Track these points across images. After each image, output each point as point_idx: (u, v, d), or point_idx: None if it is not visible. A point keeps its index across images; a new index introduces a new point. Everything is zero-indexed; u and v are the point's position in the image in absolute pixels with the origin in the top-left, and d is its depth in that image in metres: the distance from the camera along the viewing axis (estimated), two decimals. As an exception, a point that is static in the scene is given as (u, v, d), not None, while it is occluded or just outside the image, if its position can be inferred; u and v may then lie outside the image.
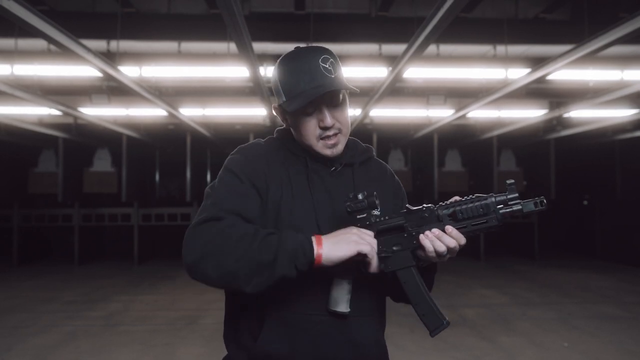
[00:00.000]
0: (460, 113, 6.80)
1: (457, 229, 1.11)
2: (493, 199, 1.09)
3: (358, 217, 1.16)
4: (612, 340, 4.62)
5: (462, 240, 1.11)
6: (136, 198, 9.76)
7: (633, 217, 8.98)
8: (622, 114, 7.52)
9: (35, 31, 3.25)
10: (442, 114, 7.63)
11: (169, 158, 11.92)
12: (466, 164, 10.84)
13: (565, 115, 7.56)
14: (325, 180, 1.27)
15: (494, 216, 1.09)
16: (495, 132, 8.84)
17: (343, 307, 1.16)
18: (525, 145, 10.33)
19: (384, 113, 7.76)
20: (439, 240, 1.10)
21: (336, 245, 1.08)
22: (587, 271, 8.59)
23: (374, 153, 1.42)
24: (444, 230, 1.11)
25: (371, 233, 1.14)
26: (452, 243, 1.10)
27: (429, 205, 1.16)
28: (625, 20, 3.39)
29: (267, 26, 5.62)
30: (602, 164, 10.66)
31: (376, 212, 1.17)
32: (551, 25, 6.01)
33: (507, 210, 1.09)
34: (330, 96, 1.20)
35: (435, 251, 1.10)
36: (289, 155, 1.30)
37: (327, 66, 1.20)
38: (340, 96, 1.23)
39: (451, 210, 1.13)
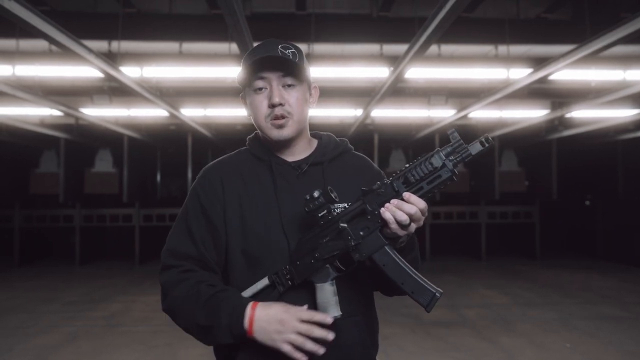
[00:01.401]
0: (462, 113, 6.79)
1: (414, 193, 1.08)
2: (440, 153, 1.07)
3: (319, 215, 1.13)
4: (612, 341, 4.61)
5: (421, 203, 1.07)
6: (137, 198, 9.76)
7: (635, 217, 8.95)
8: (625, 114, 7.50)
9: (36, 32, 3.25)
10: (443, 114, 7.62)
11: (170, 158, 11.93)
12: (468, 165, 10.83)
13: (567, 115, 7.54)
14: (291, 183, 1.25)
15: (445, 168, 1.06)
16: (497, 132, 8.82)
17: (334, 311, 1.13)
18: (527, 145, 10.32)
19: (386, 113, 7.76)
20: (399, 209, 1.06)
21: (265, 335, 1.10)
22: (589, 271, 8.57)
23: (350, 146, 1.39)
24: (403, 200, 1.08)
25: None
26: (412, 209, 1.06)
27: (384, 180, 1.13)
28: (627, 20, 3.38)
29: (268, 26, 5.62)
30: (604, 164, 10.64)
31: (342, 206, 1.16)
32: (553, 25, 6.00)
33: (457, 158, 1.06)
34: (282, 74, 1.21)
35: (398, 222, 1.07)
36: (256, 162, 1.30)
37: (286, 51, 1.21)
38: (292, 80, 1.23)
39: (403, 177, 1.09)
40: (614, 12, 5.27)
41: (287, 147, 1.29)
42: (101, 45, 5.64)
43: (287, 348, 1.08)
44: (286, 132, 1.23)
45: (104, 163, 10.20)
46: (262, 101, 1.23)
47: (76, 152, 9.73)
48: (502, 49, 5.87)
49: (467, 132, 9.92)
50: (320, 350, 1.09)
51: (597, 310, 5.80)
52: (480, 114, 7.65)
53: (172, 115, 6.85)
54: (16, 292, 7.07)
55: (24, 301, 6.44)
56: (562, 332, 4.94)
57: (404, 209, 1.06)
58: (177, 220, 1.30)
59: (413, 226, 1.09)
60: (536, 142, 9.88)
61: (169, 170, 12.26)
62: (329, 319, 1.10)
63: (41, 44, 5.52)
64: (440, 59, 6.12)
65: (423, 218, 1.09)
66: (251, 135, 1.37)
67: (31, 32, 3.28)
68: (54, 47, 5.14)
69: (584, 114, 7.75)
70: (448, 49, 6.06)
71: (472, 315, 5.61)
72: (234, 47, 5.01)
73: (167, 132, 9.85)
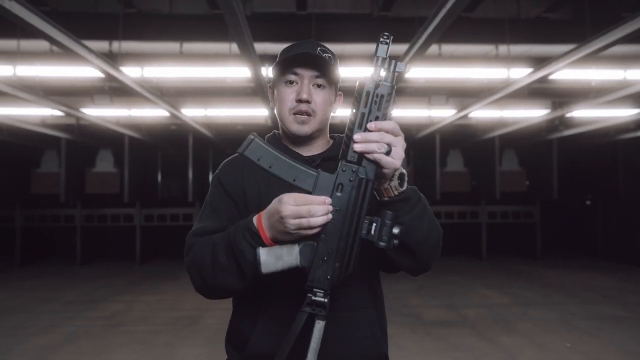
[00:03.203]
0: (462, 113, 6.79)
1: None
2: (371, 78, 1.07)
3: None
4: (613, 341, 4.60)
5: (387, 124, 1.02)
6: (138, 198, 9.77)
7: (636, 217, 8.95)
8: (625, 113, 7.50)
9: (37, 32, 3.25)
10: (444, 114, 7.62)
11: (171, 158, 11.93)
12: (468, 164, 10.82)
13: (568, 115, 7.54)
14: None
15: (385, 86, 1.06)
16: (498, 132, 8.82)
17: None
18: (528, 145, 10.31)
19: (386, 113, 7.73)
20: (366, 141, 1.01)
21: (276, 232, 1.06)
22: (589, 271, 8.57)
23: None
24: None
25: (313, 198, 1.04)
26: (378, 135, 1.01)
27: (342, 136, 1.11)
28: (628, 19, 3.38)
29: (268, 26, 5.62)
30: (604, 163, 10.64)
31: None
32: (553, 24, 6.00)
33: (391, 71, 1.08)
34: (314, 75, 1.25)
35: (373, 144, 1.01)
36: None
37: (323, 55, 1.25)
38: (323, 81, 1.26)
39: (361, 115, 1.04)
40: (614, 12, 5.26)
41: (305, 143, 1.33)
42: (102, 45, 5.64)
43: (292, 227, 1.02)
44: (305, 129, 1.28)
45: (105, 163, 10.22)
46: (290, 94, 1.27)
47: (77, 152, 9.73)
48: (503, 48, 5.86)
49: (467, 132, 9.94)
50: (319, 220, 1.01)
51: (598, 310, 5.79)
52: (481, 113, 7.65)
53: (172, 116, 6.86)
54: (17, 291, 7.08)
55: (24, 301, 6.45)
56: (562, 332, 4.94)
57: (370, 138, 1.02)
58: (202, 209, 1.33)
59: (397, 150, 1.04)
60: (537, 141, 9.87)
61: (170, 170, 12.27)
62: (328, 199, 1.03)
63: (42, 44, 5.52)
64: (441, 58, 6.11)
65: (401, 140, 1.05)
66: (269, 134, 1.42)
67: (32, 33, 3.29)
68: (55, 48, 5.15)
69: (585, 114, 7.75)
70: (448, 48, 6.06)
71: (472, 315, 5.61)
72: (234, 47, 5.01)
73: (167, 132, 9.86)
